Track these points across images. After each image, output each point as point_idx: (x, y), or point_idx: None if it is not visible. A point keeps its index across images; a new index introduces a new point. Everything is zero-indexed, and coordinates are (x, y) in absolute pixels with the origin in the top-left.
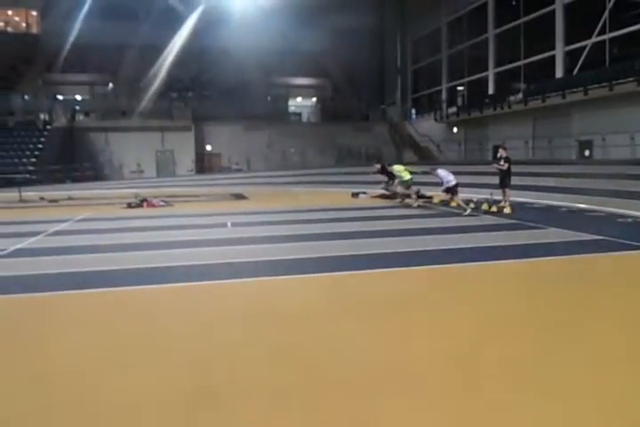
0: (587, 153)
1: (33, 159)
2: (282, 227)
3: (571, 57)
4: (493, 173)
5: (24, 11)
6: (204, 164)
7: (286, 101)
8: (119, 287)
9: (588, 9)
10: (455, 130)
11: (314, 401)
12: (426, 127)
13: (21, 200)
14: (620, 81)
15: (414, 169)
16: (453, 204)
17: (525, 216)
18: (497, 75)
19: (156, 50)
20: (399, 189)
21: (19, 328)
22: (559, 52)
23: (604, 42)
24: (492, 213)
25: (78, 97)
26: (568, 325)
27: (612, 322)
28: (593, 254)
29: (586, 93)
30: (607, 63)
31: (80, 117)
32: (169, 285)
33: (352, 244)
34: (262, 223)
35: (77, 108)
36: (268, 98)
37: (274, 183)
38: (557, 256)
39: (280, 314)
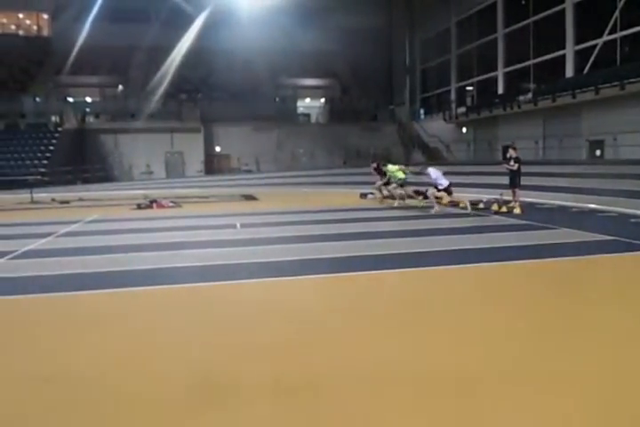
0: (598, 153)
1: (44, 161)
2: (292, 227)
3: (581, 56)
4: (503, 174)
5: (35, 14)
6: (213, 165)
7: (295, 102)
8: (129, 288)
9: (599, 7)
10: (464, 130)
11: (325, 402)
12: (435, 127)
13: (33, 201)
14: (631, 80)
15: (409, 169)
16: (443, 203)
17: (536, 217)
18: (506, 74)
19: (165, 51)
20: (394, 190)
21: (30, 328)
22: (569, 51)
23: (615, 41)
24: (502, 214)
25: (88, 99)
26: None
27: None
28: (607, 255)
29: (597, 93)
30: (618, 62)
31: (90, 119)
32: (178, 285)
33: (363, 244)
34: (273, 224)
35: (87, 110)
36: (277, 99)
37: (283, 184)
38: (571, 257)
39: (292, 314)
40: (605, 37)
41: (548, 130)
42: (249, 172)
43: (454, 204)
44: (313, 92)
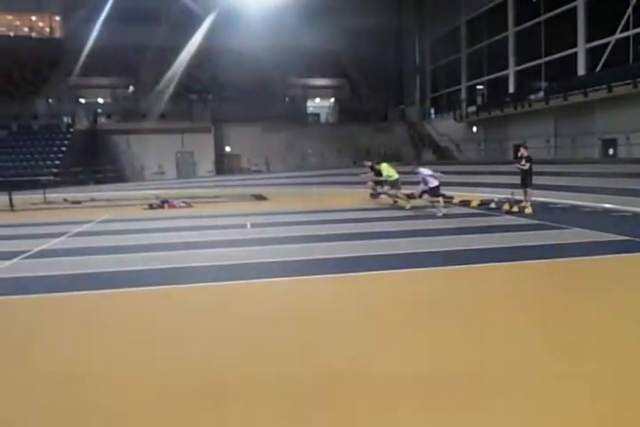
0: (611, 152)
1: (57, 162)
2: (303, 227)
3: (593, 54)
4: (514, 173)
5: (47, 16)
6: (223, 165)
7: (304, 102)
8: (141, 287)
9: (611, 5)
10: (475, 129)
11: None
12: (445, 127)
13: (46, 202)
14: None
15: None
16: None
17: (548, 216)
18: (517, 73)
19: (175, 52)
20: (388, 190)
21: (40, 328)
22: (581, 49)
23: (627, 38)
24: (514, 214)
25: (100, 100)
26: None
27: None
28: (621, 255)
29: (609, 91)
30: (631, 60)
31: (102, 120)
32: (190, 285)
33: (372, 244)
34: (283, 224)
35: (99, 110)
36: (287, 99)
37: (293, 184)
38: (583, 257)
39: (303, 314)
40: (618, 35)
41: (559, 129)
42: (259, 172)
43: (465, 203)
44: (322, 92)
